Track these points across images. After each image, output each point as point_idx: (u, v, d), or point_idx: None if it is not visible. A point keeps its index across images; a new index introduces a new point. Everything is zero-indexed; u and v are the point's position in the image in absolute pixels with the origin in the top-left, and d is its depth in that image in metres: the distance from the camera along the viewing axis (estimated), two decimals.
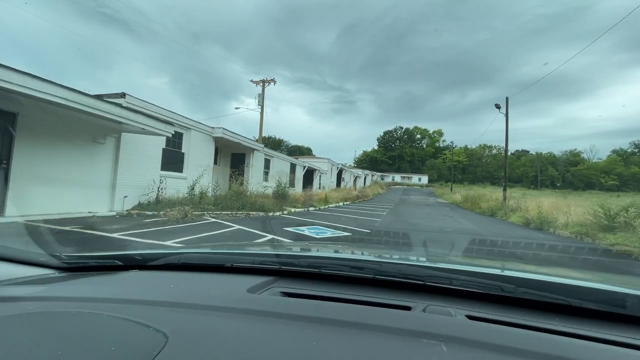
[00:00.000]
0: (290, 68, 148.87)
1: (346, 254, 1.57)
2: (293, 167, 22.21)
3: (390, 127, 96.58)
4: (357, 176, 45.97)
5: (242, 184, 13.84)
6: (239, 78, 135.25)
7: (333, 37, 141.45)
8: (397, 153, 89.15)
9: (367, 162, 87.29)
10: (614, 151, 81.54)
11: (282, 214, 11.88)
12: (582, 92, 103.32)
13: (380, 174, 79.24)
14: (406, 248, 2.92)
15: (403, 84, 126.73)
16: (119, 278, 1.14)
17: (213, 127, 12.98)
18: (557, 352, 0.64)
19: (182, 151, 11.72)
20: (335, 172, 33.22)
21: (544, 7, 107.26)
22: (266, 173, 18.21)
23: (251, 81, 31.71)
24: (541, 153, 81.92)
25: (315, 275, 1.09)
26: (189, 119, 11.84)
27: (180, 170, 11.44)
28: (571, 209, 11.18)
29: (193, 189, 9.96)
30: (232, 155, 16.60)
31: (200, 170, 11.31)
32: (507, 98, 23.70)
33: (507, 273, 1.18)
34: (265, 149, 17.87)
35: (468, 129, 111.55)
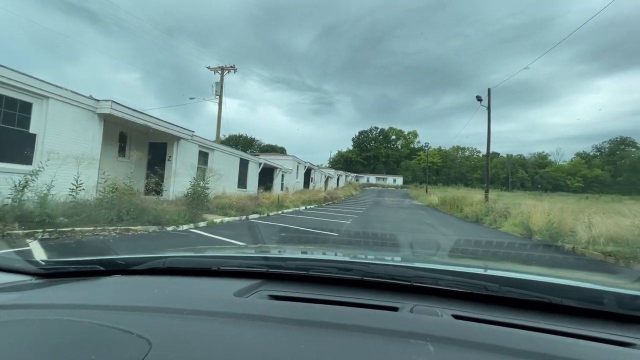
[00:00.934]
0: (268, 67, 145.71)
1: (334, 255, 1.62)
2: (244, 163, 18.41)
3: (366, 128, 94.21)
4: (328, 176, 42.81)
5: (157, 184, 10.05)
6: (215, 76, 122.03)
7: (312, 37, 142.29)
8: (372, 154, 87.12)
9: (342, 162, 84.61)
10: (577, 154, 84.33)
11: (194, 228, 8.18)
12: (546, 99, 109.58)
13: (355, 174, 76.80)
14: (393, 249, 2.85)
15: (380, 87, 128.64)
16: (100, 284, 1.09)
17: (98, 100, 8.92)
18: (539, 350, 0.65)
19: (32, 131, 7.68)
20: (302, 171, 29.75)
21: (513, 18, 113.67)
22: (202, 170, 14.40)
23: (208, 68, 27.67)
24: (511, 155, 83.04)
25: (303, 278, 1.07)
26: (48, 83, 7.75)
27: (24, 160, 7.42)
28: (586, 217, 8.38)
29: (22, 190, 5.93)
30: (151, 146, 12.59)
31: (75, 162, 7.38)
32: (489, 90, 21.51)
33: (491, 272, 1.21)
34: (200, 138, 13.88)
35: (441, 132, 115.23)
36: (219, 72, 27.72)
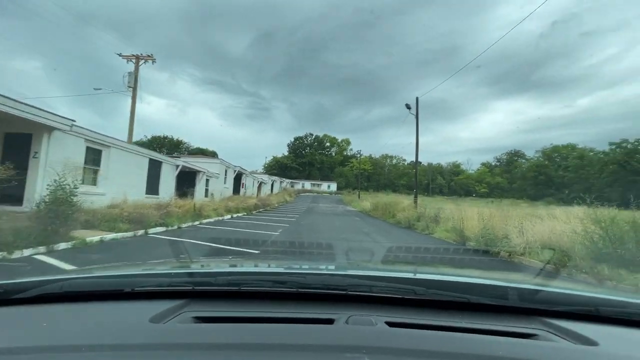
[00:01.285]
0: (200, 67, 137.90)
1: (268, 268, 1.54)
2: (155, 165, 15.39)
3: (302, 135, 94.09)
4: (262, 182, 40.57)
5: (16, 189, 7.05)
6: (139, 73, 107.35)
7: (248, 41, 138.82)
8: (307, 160, 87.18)
9: (277, 168, 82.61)
10: (482, 164, 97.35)
11: (46, 253, 5.68)
12: (458, 116, 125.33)
13: (290, 180, 75.55)
14: (329, 258, 2.81)
15: (315, 96, 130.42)
16: None
17: None
18: (461, 350, 0.69)
19: None
20: (231, 176, 27.13)
21: (430, 43, 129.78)
22: (94, 172, 11.30)
23: (119, 55, 23.44)
24: (432, 164, 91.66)
25: (234, 294, 0.99)
26: None
27: None
28: (516, 222, 8.35)
29: None
30: (7, 138, 9.26)
31: None
32: (417, 98, 22.41)
33: (418, 276, 1.27)
34: (88, 130, 10.73)
35: (372, 142, 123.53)
36: (133, 60, 23.73)
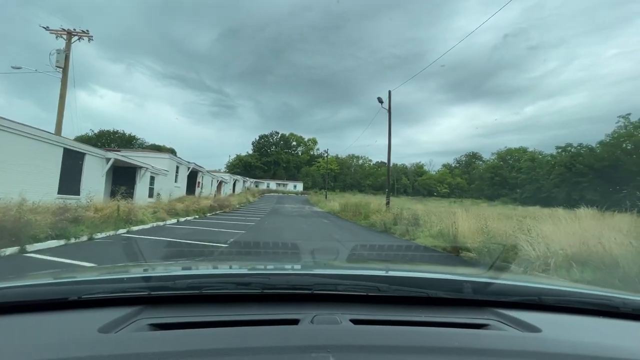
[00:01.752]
0: (161, 61, 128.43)
1: (230, 269, 1.46)
2: (74, 158, 12.10)
3: (267, 133, 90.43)
4: (222, 181, 37.25)
5: None
6: (88, 61, 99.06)
7: (213, 37, 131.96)
8: (272, 159, 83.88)
9: (241, 167, 78.56)
10: (444, 165, 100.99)
11: None
12: (420, 120, 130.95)
13: (255, 180, 72.09)
14: (294, 258, 2.68)
15: (282, 95, 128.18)
16: None
17: None
18: (420, 343, 0.71)
19: None
20: (184, 174, 23.93)
21: (395, 48, 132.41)
22: None
23: (45, 28, 19.34)
24: (396, 164, 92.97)
25: (195, 298, 0.93)
26: None
27: None
28: (525, 227, 6.86)
29: None
30: None
31: None
32: (389, 91, 21.07)
33: (381, 273, 1.26)
34: None
35: (339, 142, 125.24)
36: (64, 36, 19.77)
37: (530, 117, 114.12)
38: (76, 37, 19.83)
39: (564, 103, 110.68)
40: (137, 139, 73.86)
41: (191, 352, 0.64)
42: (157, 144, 71.18)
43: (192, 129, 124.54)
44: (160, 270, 1.40)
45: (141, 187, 16.92)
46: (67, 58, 19.50)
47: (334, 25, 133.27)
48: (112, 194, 13.23)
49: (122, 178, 15.95)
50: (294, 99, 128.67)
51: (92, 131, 68.71)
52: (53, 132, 13.55)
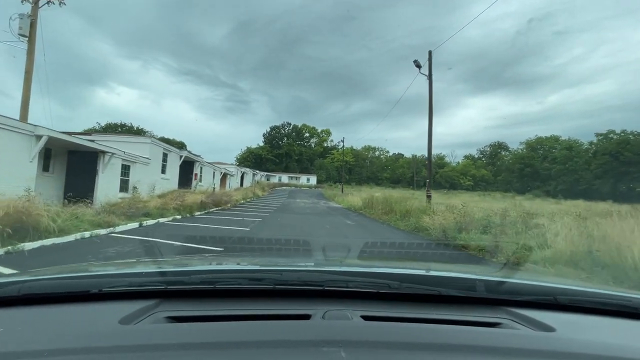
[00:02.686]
0: (176, 57, 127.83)
1: (243, 265, 1.49)
2: None
3: (278, 124, 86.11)
4: (226, 174, 33.46)
5: None
6: (106, 59, 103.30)
7: (226, 31, 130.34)
8: (284, 151, 79.70)
9: (251, 160, 74.98)
10: (465, 157, 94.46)
11: None
12: (434, 112, 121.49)
13: (266, 173, 68.42)
14: (306, 254, 2.71)
15: (295, 89, 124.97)
16: None
17: None
18: (431, 340, 0.71)
19: None
20: (175, 163, 20.01)
21: (408, 38, 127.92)
22: None
23: None
24: (415, 155, 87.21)
25: (208, 293, 0.96)
26: None
27: None
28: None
29: None
30: None
31: None
32: (430, 52, 16.42)
33: (393, 271, 1.24)
34: None
35: (352, 136, 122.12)
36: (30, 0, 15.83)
37: (552, 107, 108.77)
38: (47, 2, 15.89)
39: (589, 91, 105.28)
40: (145, 132, 71.42)
41: (207, 345, 0.65)
42: (166, 137, 68.81)
43: (207, 124, 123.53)
44: (176, 265, 1.42)
45: (107, 179, 12.93)
46: (33, 25, 15.51)
47: (347, 16, 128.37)
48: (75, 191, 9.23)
49: (78, 168, 12.04)
50: (307, 93, 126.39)
51: (99, 124, 66.67)
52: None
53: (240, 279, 1.02)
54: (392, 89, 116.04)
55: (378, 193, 31.19)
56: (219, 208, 16.53)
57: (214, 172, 29.16)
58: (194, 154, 22.56)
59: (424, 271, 1.31)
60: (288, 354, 0.64)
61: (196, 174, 23.59)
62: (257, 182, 51.19)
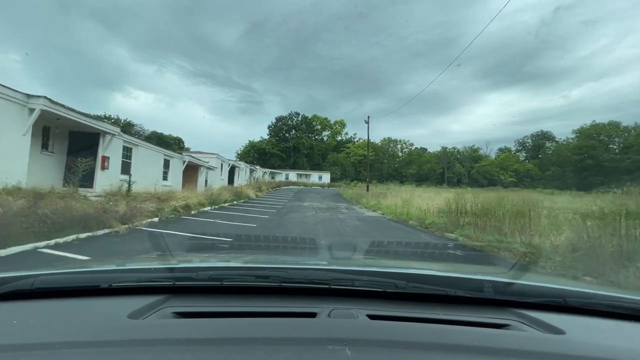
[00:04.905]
0: (190, 59, 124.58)
1: (250, 262, 1.50)
2: None
3: (285, 114, 75.31)
4: (208, 168, 22.98)
5: None
6: (123, 64, 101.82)
7: (239, 32, 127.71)
8: (292, 144, 68.52)
9: (254, 155, 64.72)
10: (500, 150, 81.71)
11: None
12: (450, 109, 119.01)
13: (270, 170, 58.03)
14: (312, 253, 2.76)
15: (307, 89, 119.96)
16: None
17: None
18: (437, 341, 0.71)
19: None
20: (116, 150, 9.47)
21: (424, 34, 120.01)
22: None
23: None
24: (445, 148, 75.02)
25: (215, 289, 0.97)
26: None
27: None
28: None
29: None
30: None
31: None
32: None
33: (399, 270, 1.22)
34: None
35: (365, 135, 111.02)
36: None
37: (574, 102, 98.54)
38: None
39: (614, 84, 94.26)
40: (139, 129, 62.50)
41: (213, 340, 0.66)
42: (170, 134, 60.25)
43: (220, 125, 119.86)
44: (184, 261, 1.45)
45: None
46: None
47: (359, 13, 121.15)
48: None
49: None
50: (320, 92, 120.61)
51: (142, 128, 59.48)
52: None
53: (247, 276, 1.02)
54: (406, 86, 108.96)
55: (426, 193, 22.22)
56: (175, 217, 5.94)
57: (183, 164, 18.54)
58: (132, 138, 11.93)
59: (431, 271, 1.30)
60: (294, 351, 0.64)
61: (167, 171, 12.91)
62: (256, 180, 40.76)
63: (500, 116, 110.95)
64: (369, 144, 30.00)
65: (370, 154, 71.82)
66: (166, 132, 61.42)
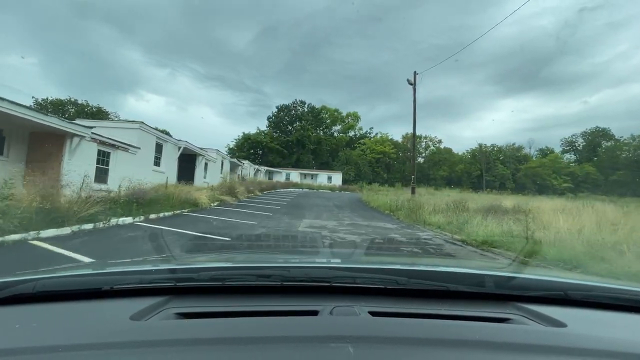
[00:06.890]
0: (203, 62, 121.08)
1: (251, 262, 1.51)
2: None
3: (288, 103, 63.69)
4: (112, 145, 11.68)
5: None
6: (137, 67, 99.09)
7: (251, 35, 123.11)
8: (295, 137, 56.39)
9: (247, 149, 53.37)
10: (541, 150, 68.58)
11: None
12: (461, 114, 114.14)
13: (267, 168, 46.52)
14: (312, 251, 2.63)
15: (318, 93, 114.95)
16: None
17: None
18: (440, 336, 0.71)
19: None
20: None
21: (437, 38, 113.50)
22: None
23: None
24: (483, 145, 62.23)
25: (217, 289, 0.98)
26: None
27: None
28: None
29: None
30: None
31: None
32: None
33: (400, 267, 1.25)
34: None
35: (386, 130, 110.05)
36: None
37: (590, 108, 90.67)
38: None
39: (634, 90, 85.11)
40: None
41: (216, 340, 0.67)
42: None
43: (230, 129, 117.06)
44: (185, 262, 1.46)
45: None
46: None
47: (373, 17, 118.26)
48: None
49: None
50: (331, 96, 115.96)
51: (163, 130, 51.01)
52: None
53: (249, 275, 1.03)
54: (418, 90, 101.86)
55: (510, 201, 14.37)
56: None
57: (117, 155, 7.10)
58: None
59: (432, 267, 1.31)
60: (296, 350, 0.64)
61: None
62: (243, 178, 29.35)
63: (513, 122, 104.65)
64: (415, 124, 16.93)
65: (390, 151, 59.87)
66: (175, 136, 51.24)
